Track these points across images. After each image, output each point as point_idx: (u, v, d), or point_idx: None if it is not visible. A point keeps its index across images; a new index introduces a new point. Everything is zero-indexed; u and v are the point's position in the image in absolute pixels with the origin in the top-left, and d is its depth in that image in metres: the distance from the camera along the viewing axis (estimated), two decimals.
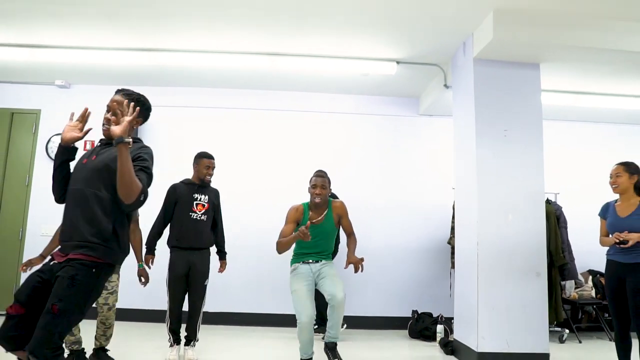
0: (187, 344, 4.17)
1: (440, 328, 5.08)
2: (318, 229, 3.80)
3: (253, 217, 5.95)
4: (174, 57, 5.29)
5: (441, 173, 6.11)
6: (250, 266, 5.89)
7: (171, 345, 4.12)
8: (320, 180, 3.82)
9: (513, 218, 4.23)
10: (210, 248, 4.30)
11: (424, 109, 6.24)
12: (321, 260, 3.86)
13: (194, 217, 4.15)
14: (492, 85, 4.43)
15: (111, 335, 3.91)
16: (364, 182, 6.10)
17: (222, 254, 4.40)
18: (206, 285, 4.18)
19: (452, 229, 5.54)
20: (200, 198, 4.22)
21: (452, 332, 5.07)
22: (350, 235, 3.96)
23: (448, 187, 5.86)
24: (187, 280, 4.10)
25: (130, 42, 5.14)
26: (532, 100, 4.45)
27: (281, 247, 3.67)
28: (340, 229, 4.02)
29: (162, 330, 4.36)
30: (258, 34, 4.81)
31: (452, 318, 5.36)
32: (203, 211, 4.19)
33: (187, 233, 4.12)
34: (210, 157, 4.36)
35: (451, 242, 5.55)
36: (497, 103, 4.41)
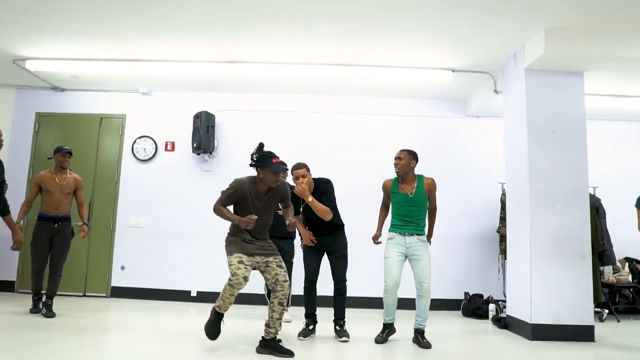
0: None
1: (492, 306, 5.73)
2: (412, 199, 4.34)
3: None
4: (251, 68, 5.98)
5: (488, 168, 6.71)
6: None
7: None
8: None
9: (561, 208, 4.83)
10: None
11: (472, 110, 6.85)
12: (415, 234, 4.32)
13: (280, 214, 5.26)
14: (541, 92, 5.03)
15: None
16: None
17: None
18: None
19: (502, 219, 6.16)
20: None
21: (501, 310, 5.70)
22: (433, 209, 4.51)
23: (495, 181, 6.48)
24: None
25: (210, 55, 5.82)
26: (576, 104, 5.04)
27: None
28: None
29: None
30: (334, 46, 5.47)
31: (501, 300, 6.02)
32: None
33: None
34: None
35: (500, 230, 6.18)
36: (546, 107, 5.01)
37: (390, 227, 4.46)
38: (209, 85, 6.82)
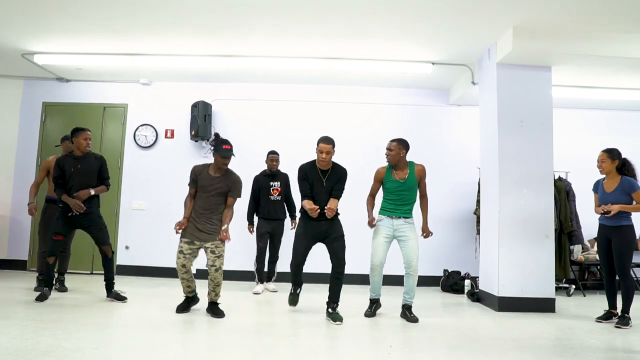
0: (268, 280, 6.15)
1: (467, 282, 6.23)
2: (402, 184, 4.61)
3: None
4: (245, 61, 6.40)
5: (467, 155, 7.15)
6: None
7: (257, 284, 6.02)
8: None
9: (527, 192, 5.30)
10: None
11: (453, 99, 7.28)
12: (402, 217, 4.61)
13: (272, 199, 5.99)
14: (511, 84, 5.47)
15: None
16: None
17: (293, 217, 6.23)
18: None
19: (478, 201, 6.63)
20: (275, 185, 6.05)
21: (477, 286, 6.20)
22: (424, 197, 4.78)
23: (473, 167, 6.93)
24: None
25: (207, 49, 6.22)
26: (544, 96, 5.47)
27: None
28: None
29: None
30: (320, 42, 5.88)
31: (477, 277, 6.51)
32: (277, 193, 6.04)
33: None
34: (274, 152, 6.17)
35: (477, 212, 6.66)
36: (515, 98, 5.45)
37: (380, 210, 4.73)
38: (206, 76, 7.23)
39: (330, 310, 4.52)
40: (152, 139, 7.41)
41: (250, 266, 6.27)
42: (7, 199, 7.37)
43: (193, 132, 7.08)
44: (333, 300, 4.54)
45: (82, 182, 5.00)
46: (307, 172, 4.57)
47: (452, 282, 6.50)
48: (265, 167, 6.25)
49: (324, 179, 4.55)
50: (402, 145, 4.67)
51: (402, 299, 4.70)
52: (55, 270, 5.54)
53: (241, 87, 7.45)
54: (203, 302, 4.73)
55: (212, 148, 4.47)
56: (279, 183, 6.11)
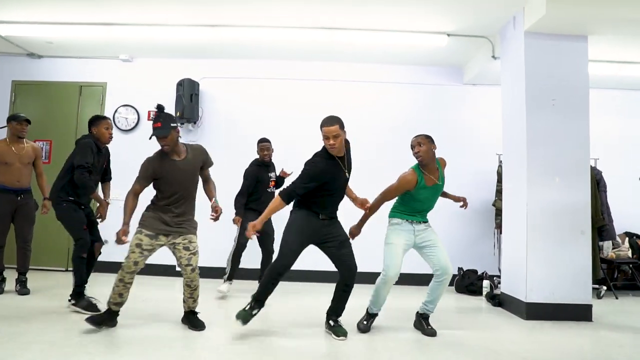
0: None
1: (486, 283, 5.51)
2: (436, 188, 3.80)
3: None
4: (235, 32, 5.64)
5: (485, 139, 6.43)
6: None
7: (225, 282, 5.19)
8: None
9: (560, 181, 4.57)
10: None
11: (468, 78, 6.53)
12: (422, 222, 3.85)
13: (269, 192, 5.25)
14: (542, 57, 4.71)
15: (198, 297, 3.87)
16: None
17: None
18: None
19: (498, 191, 5.90)
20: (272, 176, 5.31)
21: (496, 287, 5.50)
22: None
23: (491, 153, 6.20)
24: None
25: (193, 19, 5.48)
26: (579, 71, 4.73)
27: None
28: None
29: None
30: (317, 9, 5.13)
31: (496, 275, 5.81)
32: (274, 185, 5.28)
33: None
34: (266, 140, 5.34)
35: (496, 204, 5.93)
36: (546, 73, 4.70)
37: (397, 213, 3.89)
38: (192, 52, 6.48)
39: (331, 322, 3.75)
40: (134, 121, 6.68)
41: (217, 262, 5.54)
42: None
43: (178, 114, 6.33)
44: (337, 313, 3.79)
45: (97, 176, 4.44)
46: (326, 168, 3.51)
47: (467, 283, 5.79)
48: (255, 156, 5.42)
49: (345, 168, 3.63)
50: (430, 139, 3.83)
51: (421, 307, 3.93)
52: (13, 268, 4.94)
53: (232, 63, 6.70)
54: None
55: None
56: (274, 174, 5.40)
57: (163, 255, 4.19)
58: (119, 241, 3.52)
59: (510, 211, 4.97)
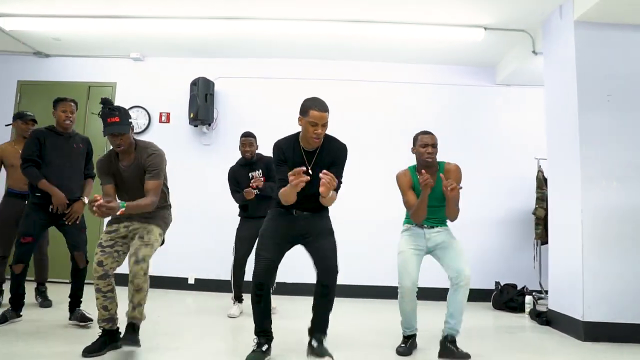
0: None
1: (529, 299, 5.01)
2: (431, 192, 3.29)
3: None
4: (254, 25, 5.25)
5: (521, 143, 5.99)
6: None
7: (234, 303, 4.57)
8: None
9: (620, 185, 4.09)
10: None
11: (502, 78, 6.09)
12: (437, 227, 3.47)
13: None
14: (595, 49, 4.26)
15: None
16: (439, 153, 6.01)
17: None
18: None
19: (538, 199, 5.42)
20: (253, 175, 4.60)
21: (537, 303, 5.00)
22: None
23: (529, 157, 5.74)
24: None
25: (208, 10, 5.09)
26: (638, 63, 4.26)
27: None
28: None
29: None
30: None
31: (537, 290, 5.32)
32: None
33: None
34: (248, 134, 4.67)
35: (537, 212, 5.43)
36: (600, 67, 4.24)
37: (405, 219, 3.55)
38: (207, 50, 6.10)
39: (314, 342, 3.00)
40: (144, 123, 6.29)
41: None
42: None
43: (192, 115, 5.94)
44: (318, 328, 3.04)
45: (63, 168, 3.92)
46: (286, 151, 3.07)
47: (507, 299, 5.28)
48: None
49: (311, 162, 3.06)
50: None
51: (445, 328, 3.31)
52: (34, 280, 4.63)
53: (248, 63, 6.29)
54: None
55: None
56: (259, 172, 4.61)
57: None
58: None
59: (559, 219, 4.49)
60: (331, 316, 3.07)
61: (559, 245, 4.48)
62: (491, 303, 5.43)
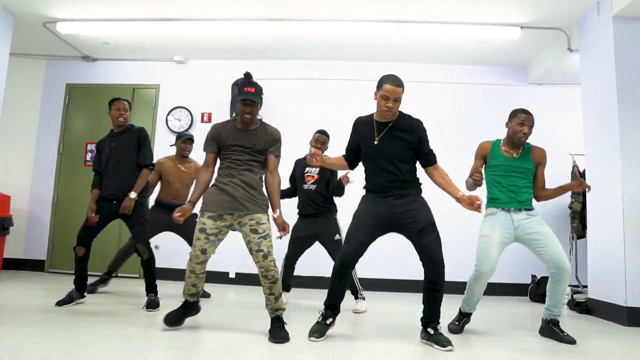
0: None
1: (567, 290, 5.09)
2: (514, 162, 3.41)
3: None
4: (296, 27, 5.47)
5: (554, 140, 6.05)
6: None
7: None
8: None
9: None
10: None
11: (534, 77, 6.22)
12: (524, 210, 3.39)
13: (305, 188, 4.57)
14: (635, 44, 4.40)
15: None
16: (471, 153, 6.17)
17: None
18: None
19: (574, 193, 5.53)
20: (310, 170, 4.58)
21: (575, 296, 5.09)
22: (541, 193, 3.55)
23: (563, 153, 5.85)
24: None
25: (251, 11, 5.30)
26: None
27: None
28: None
29: None
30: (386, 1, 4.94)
31: (574, 285, 5.41)
32: (312, 181, 4.55)
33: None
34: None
35: (573, 205, 5.54)
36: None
37: (488, 202, 3.50)
38: (249, 52, 6.33)
39: (430, 330, 3.06)
40: (187, 123, 6.53)
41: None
42: (26, 192, 6.56)
43: (233, 115, 6.16)
44: (433, 317, 3.09)
45: (111, 168, 4.05)
46: (359, 124, 3.32)
47: (543, 291, 5.32)
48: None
49: (381, 134, 3.19)
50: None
51: (546, 313, 3.46)
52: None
53: (290, 64, 6.54)
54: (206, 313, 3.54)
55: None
56: (316, 169, 4.60)
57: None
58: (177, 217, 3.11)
59: (598, 210, 4.60)
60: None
61: (598, 236, 4.59)
62: (528, 296, 5.53)
